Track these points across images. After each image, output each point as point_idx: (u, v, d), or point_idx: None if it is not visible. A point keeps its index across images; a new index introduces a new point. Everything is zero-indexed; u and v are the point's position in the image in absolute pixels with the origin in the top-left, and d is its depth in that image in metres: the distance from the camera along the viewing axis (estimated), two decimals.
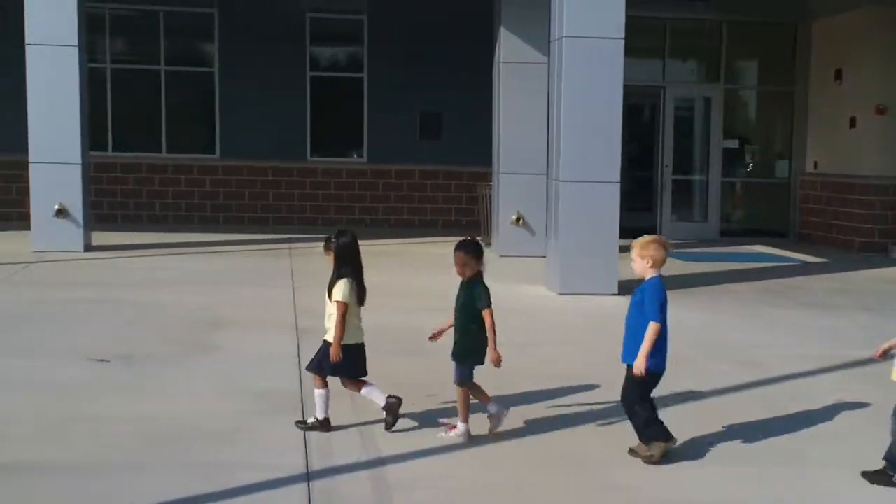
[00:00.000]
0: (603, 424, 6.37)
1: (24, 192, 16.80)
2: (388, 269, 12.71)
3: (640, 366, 5.53)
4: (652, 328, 5.53)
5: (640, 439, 5.71)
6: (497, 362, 5.81)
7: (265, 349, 8.20)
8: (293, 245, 14.98)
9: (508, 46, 14.33)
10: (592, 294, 11.15)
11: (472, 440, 5.95)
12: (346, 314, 5.91)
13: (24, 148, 13.63)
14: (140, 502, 4.84)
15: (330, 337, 5.96)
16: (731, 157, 18.46)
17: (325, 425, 6.00)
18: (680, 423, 6.00)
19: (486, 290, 5.93)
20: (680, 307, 10.83)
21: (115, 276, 11.86)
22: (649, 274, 5.66)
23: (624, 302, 10.49)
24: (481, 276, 5.98)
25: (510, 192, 14.42)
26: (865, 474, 5.48)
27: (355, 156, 18.29)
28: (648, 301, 5.55)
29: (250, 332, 8.85)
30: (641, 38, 16.47)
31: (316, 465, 5.45)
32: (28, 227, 13.74)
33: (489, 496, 5.18)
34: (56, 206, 13.49)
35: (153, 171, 17.77)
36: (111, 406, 6.42)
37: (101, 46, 17.53)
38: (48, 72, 13.26)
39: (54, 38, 13.23)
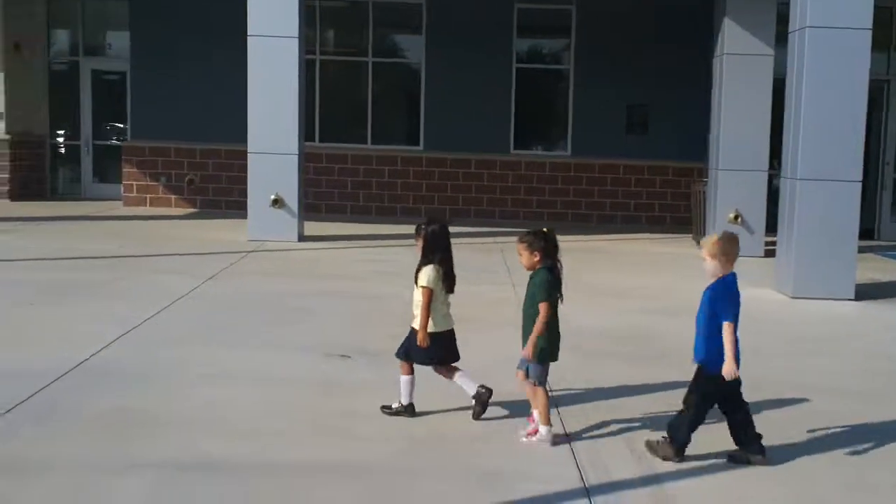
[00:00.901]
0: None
1: (233, 181, 17.36)
2: (603, 267, 12.42)
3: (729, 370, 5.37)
4: (726, 329, 5.37)
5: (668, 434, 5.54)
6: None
7: (503, 349, 8.00)
8: (498, 239, 14.82)
9: (732, 37, 13.76)
10: (827, 298, 10.57)
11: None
12: (430, 301, 5.86)
13: (232, 137, 13.90)
14: None
15: (416, 324, 5.95)
16: None
17: (409, 410, 6.05)
18: None
19: (547, 281, 5.63)
20: None
21: (334, 268, 11.96)
22: (722, 272, 5.45)
23: (862, 308, 9.95)
24: (547, 267, 5.68)
25: (728, 190, 13.86)
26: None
27: (559, 149, 18.01)
28: (720, 301, 5.40)
29: (483, 329, 8.66)
30: None
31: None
32: (236, 216, 14.05)
33: None
34: (272, 197, 13.71)
35: (358, 161, 17.95)
36: (367, 403, 6.34)
37: (310, 37, 17.81)
38: (269, 63, 13.49)
39: (275, 29, 13.45)
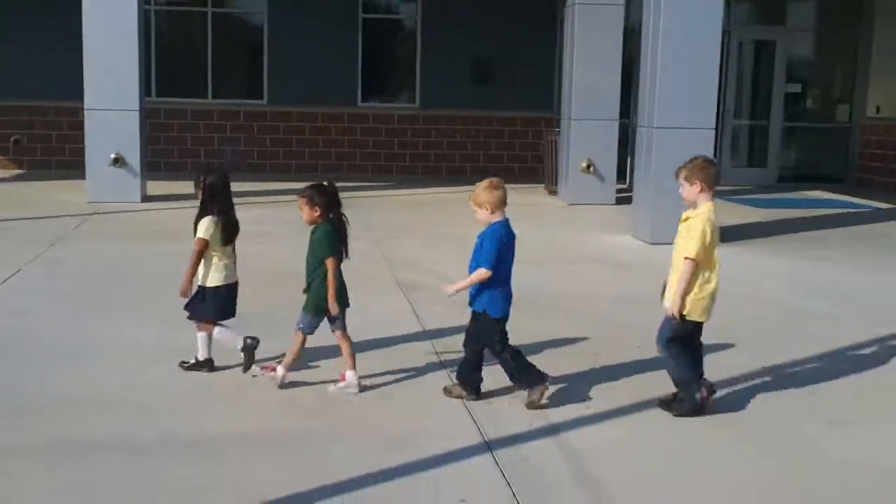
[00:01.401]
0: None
1: (65, 140, 16.46)
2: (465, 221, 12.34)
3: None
4: (478, 275, 5.40)
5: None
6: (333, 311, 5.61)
7: (383, 305, 7.81)
8: (351, 194, 14.53)
9: None
10: None
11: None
12: (202, 251, 5.81)
13: (62, 93, 13.09)
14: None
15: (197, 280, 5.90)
16: (793, 102, 17.99)
17: (207, 365, 5.97)
18: None
19: (328, 235, 5.60)
20: (794, 256, 10.54)
21: (180, 229, 11.42)
22: (493, 219, 5.45)
23: (721, 252, 10.19)
24: (329, 221, 5.64)
25: (580, 139, 13.97)
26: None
27: (407, 101, 17.79)
28: (486, 246, 5.41)
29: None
30: None
31: None
32: (71, 176, 13.30)
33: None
34: (112, 155, 13.03)
35: (198, 117, 17.28)
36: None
37: None
38: (105, 14, 12.73)
39: None
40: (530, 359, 5.68)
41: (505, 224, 5.49)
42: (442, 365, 6.27)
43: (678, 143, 10.75)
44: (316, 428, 5.20)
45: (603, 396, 5.75)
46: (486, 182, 5.53)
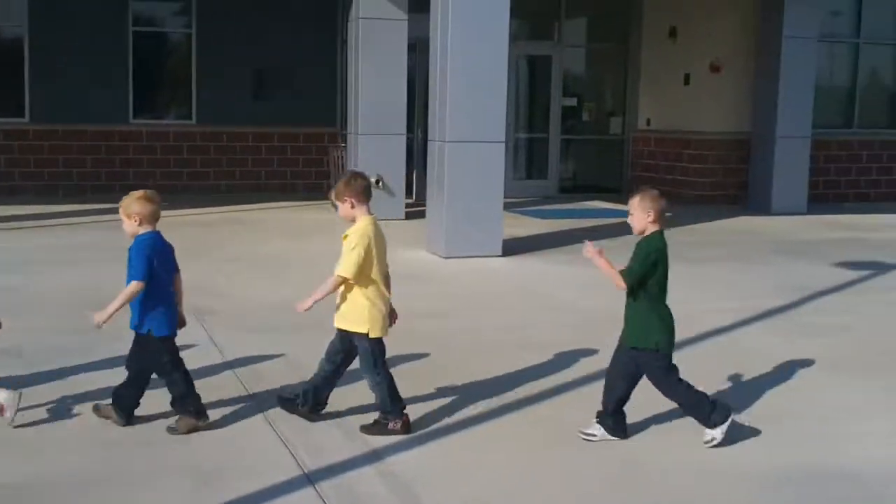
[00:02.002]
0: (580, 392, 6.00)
1: None
2: (253, 238, 11.91)
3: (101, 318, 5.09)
4: (130, 288, 5.08)
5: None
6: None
7: None
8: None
9: (368, 2, 13.62)
10: (478, 256, 10.82)
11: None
12: None
13: None
14: None
15: None
16: (570, 115, 18.49)
17: None
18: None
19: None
20: (570, 265, 10.71)
21: None
22: (140, 231, 5.17)
23: (515, 263, 10.24)
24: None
25: (368, 154, 13.78)
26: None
27: (184, 117, 17.05)
28: (135, 260, 5.11)
29: None
30: None
31: None
32: None
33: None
34: None
35: None
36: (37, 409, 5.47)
37: None
38: None
39: None
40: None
41: (154, 236, 5.18)
42: (250, 396, 5.89)
43: (470, 156, 10.77)
44: (123, 470, 4.74)
45: (420, 417, 5.54)
46: (139, 193, 5.22)
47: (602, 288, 9.43)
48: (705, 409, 5.17)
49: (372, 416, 5.39)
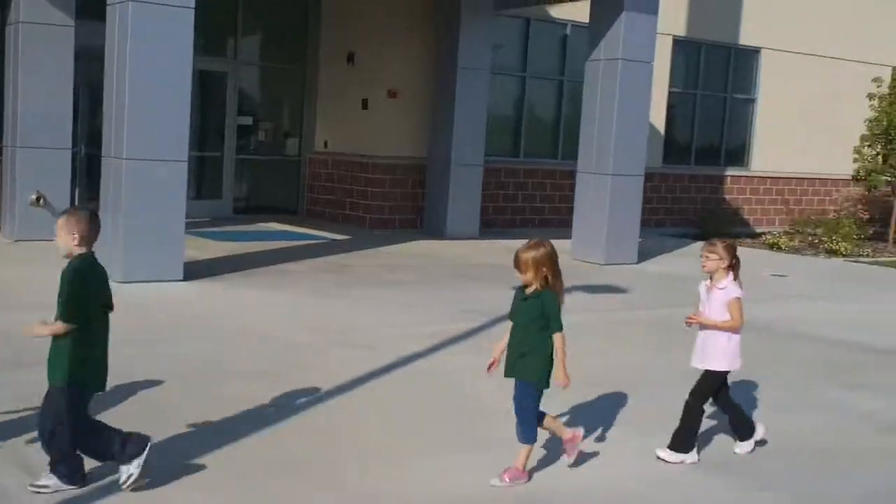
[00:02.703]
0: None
1: None
2: None
3: None
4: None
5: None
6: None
7: None
8: None
9: (29, 6, 12.52)
10: (158, 281, 10.22)
11: None
12: None
13: None
14: None
15: None
16: (245, 135, 18.04)
17: None
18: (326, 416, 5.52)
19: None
20: (258, 287, 10.36)
21: None
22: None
23: (199, 287, 9.80)
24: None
25: (28, 169, 12.67)
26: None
27: None
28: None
29: None
30: None
31: None
32: None
33: None
34: None
35: None
36: None
37: None
38: None
39: None
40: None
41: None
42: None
43: (149, 175, 10.14)
44: None
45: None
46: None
47: (292, 315, 9.23)
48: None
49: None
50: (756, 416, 6.67)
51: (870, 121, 19.50)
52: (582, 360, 6.13)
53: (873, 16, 22.30)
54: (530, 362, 5.22)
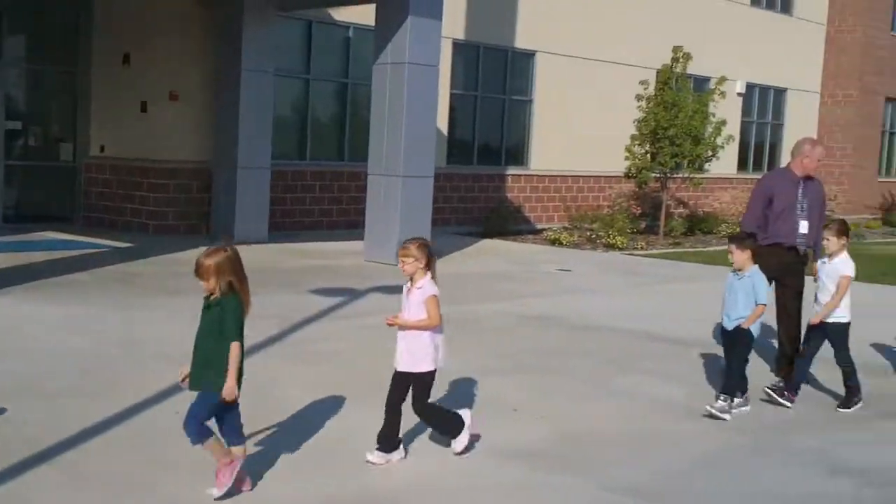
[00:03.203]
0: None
1: None
2: None
3: None
4: None
5: None
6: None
7: None
8: None
9: None
10: None
11: None
12: None
13: None
14: None
15: None
16: (14, 139, 17.09)
17: None
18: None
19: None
20: (67, 302, 9.84)
21: None
22: None
23: None
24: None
25: None
26: None
27: None
28: None
29: None
30: None
31: None
32: None
33: None
34: None
35: None
36: None
37: None
38: None
39: None
40: None
41: None
42: None
43: None
44: None
45: None
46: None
47: (85, 329, 8.78)
48: None
49: None
50: (550, 407, 6.96)
51: (638, 121, 20.49)
52: (381, 361, 6.15)
53: (638, 21, 23.51)
54: (213, 372, 4.95)
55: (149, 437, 5.91)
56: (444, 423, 5.93)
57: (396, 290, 11.81)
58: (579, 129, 22.54)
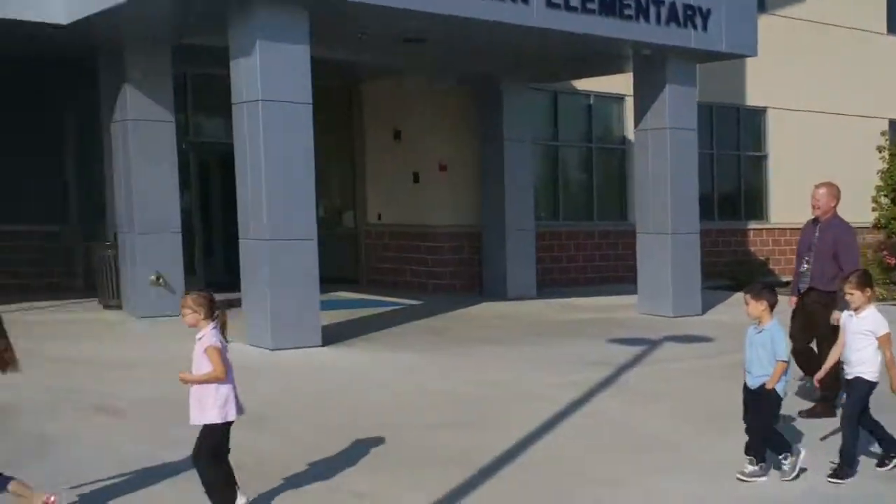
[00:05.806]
0: None
1: None
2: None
3: None
4: None
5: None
6: None
7: None
8: None
9: (135, 105, 13.65)
10: (302, 347, 11.31)
11: None
12: None
13: None
14: None
15: None
16: None
17: None
18: None
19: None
20: (392, 350, 11.31)
21: None
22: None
23: (330, 353, 10.68)
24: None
25: (146, 253, 13.69)
26: None
27: None
28: None
29: None
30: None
31: None
32: None
33: None
34: None
35: None
36: None
37: None
38: None
39: None
40: None
41: None
42: None
43: (285, 252, 11.19)
44: None
45: None
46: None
47: (444, 373, 9.95)
48: None
49: None
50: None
51: (882, 171, 20.80)
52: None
53: (867, 72, 23.79)
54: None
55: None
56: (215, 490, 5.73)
57: (689, 339, 12.72)
58: (817, 181, 22.78)
